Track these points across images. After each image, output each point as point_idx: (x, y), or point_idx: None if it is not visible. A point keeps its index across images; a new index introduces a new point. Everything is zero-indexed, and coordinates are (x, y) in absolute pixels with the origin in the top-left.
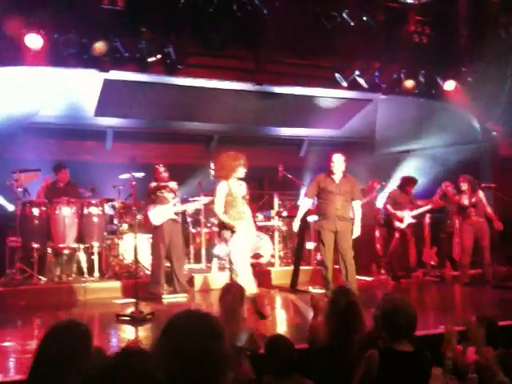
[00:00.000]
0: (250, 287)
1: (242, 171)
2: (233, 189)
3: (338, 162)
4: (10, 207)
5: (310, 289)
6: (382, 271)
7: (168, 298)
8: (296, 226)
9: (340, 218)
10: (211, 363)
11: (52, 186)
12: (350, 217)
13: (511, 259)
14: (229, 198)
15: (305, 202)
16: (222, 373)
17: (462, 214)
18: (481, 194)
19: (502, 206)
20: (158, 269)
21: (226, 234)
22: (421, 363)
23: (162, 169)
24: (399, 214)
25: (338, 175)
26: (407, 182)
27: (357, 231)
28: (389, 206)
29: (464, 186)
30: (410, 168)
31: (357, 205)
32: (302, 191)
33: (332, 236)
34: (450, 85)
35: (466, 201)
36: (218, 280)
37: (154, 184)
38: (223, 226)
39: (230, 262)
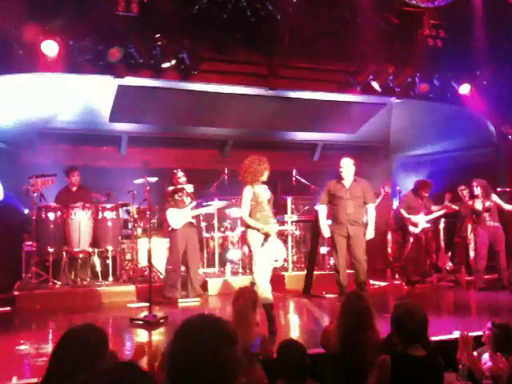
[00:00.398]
0: (266, 295)
1: (266, 175)
2: (258, 193)
3: (347, 166)
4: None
5: (324, 294)
6: (397, 276)
7: (181, 303)
8: (325, 231)
9: (352, 222)
10: (222, 368)
11: (64, 190)
12: (362, 221)
13: None
14: (254, 202)
15: (320, 209)
16: (232, 377)
17: (476, 219)
18: (494, 197)
19: None
20: (174, 272)
21: (250, 238)
22: (433, 368)
23: (180, 174)
24: (413, 218)
25: (347, 180)
26: (421, 187)
27: (370, 234)
28: (403, 211)
29: (477, 191)
30: (424, 172)
31: (370, 208)
32: (316, 195)
33: (344, 241)
34: (464, 88)
35: (479, 205)
36: (231, 284)
37: (171, 188)
38: (249, 229)
39: (251, 267)
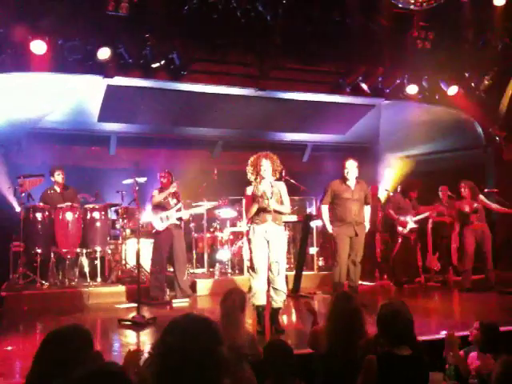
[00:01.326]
0: (259, 297)
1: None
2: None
3: (352, 167)
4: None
5: (318, 293)
6: (385, 276)
7: (170, 303)
8: (330, 228)
9: (357, 223)
10: (209, 365)
11: (49, 190)
12: (363, 221)
13: None
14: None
15: (324, 209)
16: (218, 376)
17: (464, 220)
18: (482, 197)
19: None
20: (159, 274)
21: (251, 237)
22: (419, 367)
23: (163, 174)
24: (402, 219)
25: (352, 181)
26: (410, 187)
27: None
28: (391, 211)
29: (465, 192)
30: (413, 173)
31: (367, 209)
32: (305, 196)
33: (348, 240)
34: (453, 90)
35: (466, 207)
36: (220, 285)
37: (156, 189)
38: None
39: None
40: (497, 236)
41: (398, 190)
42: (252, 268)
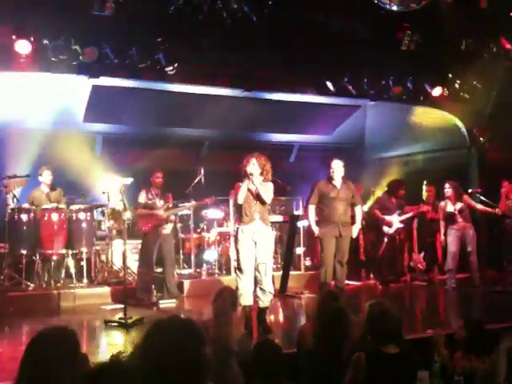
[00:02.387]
0: (246, 298)
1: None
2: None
3: (338, 167)
4: None
5: (305, 293)
6: (371, 276)
7: (157, 304)
8: (316, 229)
9: (343, 223)
10: (191, 367)
11: (37, 191)
12: (349, 221)
13: (499, 263)
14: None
15: (311, 209)
16: (201, 377)
17: (448, 220)
18: (466, 198)
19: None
20: (146, 275)
21: (239, 237)
22: (406, 365)
23: (159, 175)
24: (387, 218)
25: (338, 181)
26: (395, 187)
27: (355, 233)
28: (377, 211)
29: (449, 193)
30: (398, 173)
31: (358, 210)
32: (292, 197)
33: (334, 241)
34: (437, 91)
35: (450, 207)
36: (208, 285)
37: (144, 190)
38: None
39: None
40: (479, 235)
41: (384, 190)
42: (239, 268)
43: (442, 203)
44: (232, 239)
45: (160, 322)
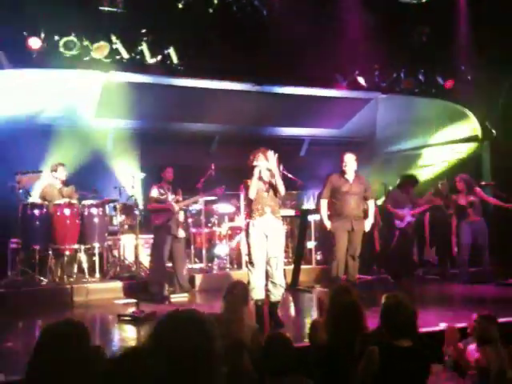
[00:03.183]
0: (258, 292)
1: None
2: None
3: (350, 161)
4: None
5: (316, 287)
6: (383, 270)
7: (169, 298)
8: (328, 224)
9: (355, 217)
10: (201, 361)
11: (49, 186)
12: (362, 216)
13: (510, 256)
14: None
15: (323, 203)
16: (212, 371)
17: (460, 213)
18: (478, 190)
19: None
20: (159, 269)
21: (250, 231)
22: (419, 359)
23: (170, 170)
24: (400, 212)
25: (350, 175)
26: (408, 181)
27: (367, 228)
28: (389, 205)
29: (460, 186)
30: (410, 167)
31: (371, 204)
32: (303, 191)
33: (346, 235)
34: (449, 83)
35: (462, 200)
36: (219, 280)
37: (155, 185)
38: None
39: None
40: (492, 229)
41: (396, 184)
42: (251, 263)
43: (454, 197)
44: (243, 233)
45: (172, 316)
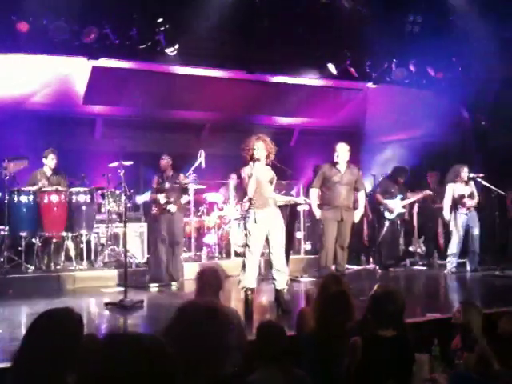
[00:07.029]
0: (251, 280)
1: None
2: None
3: (343, 151)
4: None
5: (304, 277)
6: (371, 260)
7: (153, 287)
8: (318, 213)
9: (345, 207)
10: (213, 353)
11: (38, 173)
12: (352, 206)
13: (498, 248)
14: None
15: (313, 193)
16: (223, 362)
17: (456, 204)
18: (472, 184)
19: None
20: (159, 256)
21: (249, 220)
22: (403, 347)
23: (166, 158)
24: (389, 203)
25: (342, 165)
26: (398, 172)
27: (357, 218)
28: (379, 196)
29: (465, 177)
30: (399, 157)
31: (361, 194)
32: (293, 180)
33: (336, 225)
34: (440, 74)
35: (463, 189)
36: None
37: (156, 175)
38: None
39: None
40: (484, 220)
41: (386, 174)
42: (249, 250)
43: (451, 185)
44: (238, 222)
45: (184, 309)
